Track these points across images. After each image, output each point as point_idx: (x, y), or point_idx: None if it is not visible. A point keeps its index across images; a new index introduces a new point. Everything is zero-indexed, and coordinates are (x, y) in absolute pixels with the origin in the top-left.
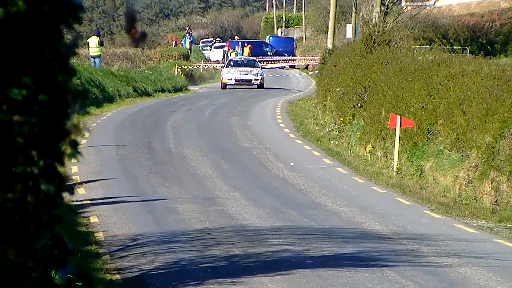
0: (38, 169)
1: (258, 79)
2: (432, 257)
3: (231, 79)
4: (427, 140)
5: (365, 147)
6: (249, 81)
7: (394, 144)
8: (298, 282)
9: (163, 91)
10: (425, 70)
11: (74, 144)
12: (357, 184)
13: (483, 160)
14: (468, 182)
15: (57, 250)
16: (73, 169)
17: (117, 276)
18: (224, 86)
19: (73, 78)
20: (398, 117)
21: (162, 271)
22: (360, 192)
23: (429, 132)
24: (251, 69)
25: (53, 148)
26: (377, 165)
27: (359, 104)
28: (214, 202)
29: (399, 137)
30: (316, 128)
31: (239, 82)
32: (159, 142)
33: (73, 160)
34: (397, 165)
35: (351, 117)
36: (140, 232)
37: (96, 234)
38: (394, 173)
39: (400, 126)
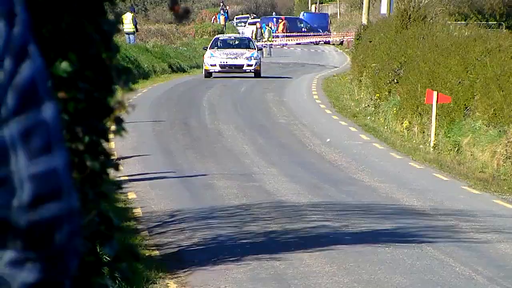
0: (83, 146)
1: (251, 65)
2: (471, 233)
3: (214, 65)
4: (464, 116)
5: (402, 123)
6: (239, 68)
7: (431, 119)
8: (337, 258)
9: (198, 67)
10: (461, 46)
11: (119, 121)
12: (394, 160)
13: None
14: (506, 157)
15: (103, 226)
16: (111, 145)
17: (156, 252)
18: (208, 74)
19: (116, 55)
20: (435, 93)
21: (200, 247)
22: (397, 168)
23: (466, 108)
24: (243, 51)
25: (98, 124)
26: (414, 141)
27: (395, 80)
28: (251, 178)
29: (436, 112)
30: (352, 104)
31: (226, 68)
32: (195, 118)
33: (111, 136)
34: (434, 141)
35: (387, 93)
36: (178, 208)
37: (134, 210)
38: (431, 149)
39: (437, 102)
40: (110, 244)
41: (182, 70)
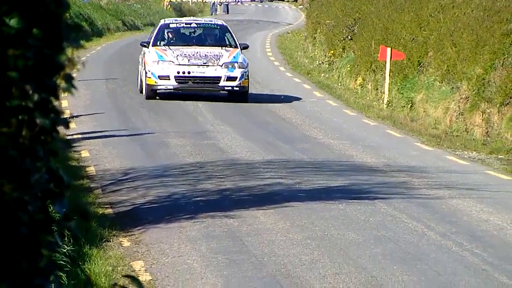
0: (33, 103)
1: (234, 78)
2: (423, 189)
3: (167, 77)
4: (417, 72)
5: (356, 80)
6: (212, 82)
7: (385, 76)
8: (291, 215)
9: (152, 25)
10: (415, 2)
11: (69, 78)
12: (348, 117)
13: (474, 92)
14: (459, 114)
15: (53, 184)
16: (64, 103)
17: (110, 210)
18: (152, 92)
19: (66, 12)
20: (389, 49)
21: (154, 205)
22: (351, 125)
23: (419, 64)
24: (217, 51)
25: (48, 82)
26: (368, 98)
27: (349, 37)
28: (205, 136)
29: (390, 69)
30: (306, 61)
31: (189, 83)
32: None
33: (64, 94)
34: (388, 98)
35: (341, 50)
36: (132, 166)
37: (87, 169)
38: (385, 106)
39: (391, 59)
40: (60, 202)
41: (136, 28)
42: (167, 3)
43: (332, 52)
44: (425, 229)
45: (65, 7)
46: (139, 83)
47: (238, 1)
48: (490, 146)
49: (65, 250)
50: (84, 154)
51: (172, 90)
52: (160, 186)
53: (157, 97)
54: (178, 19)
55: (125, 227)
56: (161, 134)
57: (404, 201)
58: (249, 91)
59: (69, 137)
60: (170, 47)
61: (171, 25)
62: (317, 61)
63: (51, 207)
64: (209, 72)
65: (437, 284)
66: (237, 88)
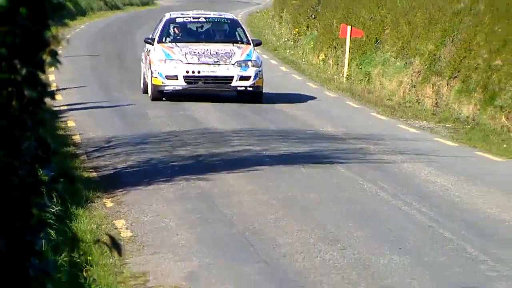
0: (21, 77)
1: (248, 77)
2: (378, 154)
3: (175, 77)
4: (375, 49)
5: (318, 56)
6: (224, 82)
7: (345, 52)
8: (258, 178)
9: (131, 5)
10: None
11: (54, 54)
12: (311, 89)
13: (425, 67)
14: (412, 86)
15: (41, 151)
16: (50, 77)
17: (94, 174)
18: (159, 93)
19: None
20: (349, 28)
21: (135, 169)
22: (314, 97)
23: (376, 41)
24: (229, 48)
25: (35, 57)
26: (329, 72)
27: (313, 16)
28: (181, 107)
29: (349, 46)
30: (274, 38)
31: (199, 83)
32: (130, 52)
33: (51, 69)
34: (347, 72)
35: (305, 28)
36: (114, 135)
37: (73, 137)
38: (345, 79)
39: (351, 36)
40: (48, 167)
41: (117, 7)
42: None
43: (297, 30)
44: (379, 190)
45: None
46: (142, 83)
47: None
48: (439, 116)
49: (53, 210)
50: (70, 124)
51: (181, 90)
52: (140, 153)
53: (164, 98)
54: (185, 12)
55: (108, 189)
56: (140, 106)
57: (361, 165)
58: None
59: (55, 108)
60: (178, 44)
61: (177, 20)
62: (283, 39)
63: (40, 172)
64: (221, 71)
65: (388, 239)
66: (251, 88)
